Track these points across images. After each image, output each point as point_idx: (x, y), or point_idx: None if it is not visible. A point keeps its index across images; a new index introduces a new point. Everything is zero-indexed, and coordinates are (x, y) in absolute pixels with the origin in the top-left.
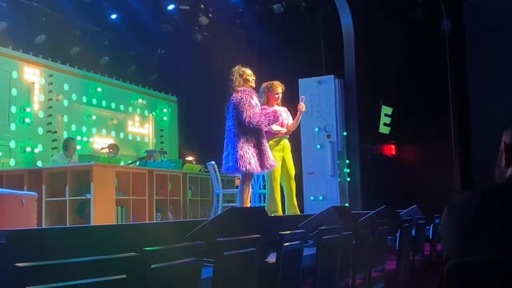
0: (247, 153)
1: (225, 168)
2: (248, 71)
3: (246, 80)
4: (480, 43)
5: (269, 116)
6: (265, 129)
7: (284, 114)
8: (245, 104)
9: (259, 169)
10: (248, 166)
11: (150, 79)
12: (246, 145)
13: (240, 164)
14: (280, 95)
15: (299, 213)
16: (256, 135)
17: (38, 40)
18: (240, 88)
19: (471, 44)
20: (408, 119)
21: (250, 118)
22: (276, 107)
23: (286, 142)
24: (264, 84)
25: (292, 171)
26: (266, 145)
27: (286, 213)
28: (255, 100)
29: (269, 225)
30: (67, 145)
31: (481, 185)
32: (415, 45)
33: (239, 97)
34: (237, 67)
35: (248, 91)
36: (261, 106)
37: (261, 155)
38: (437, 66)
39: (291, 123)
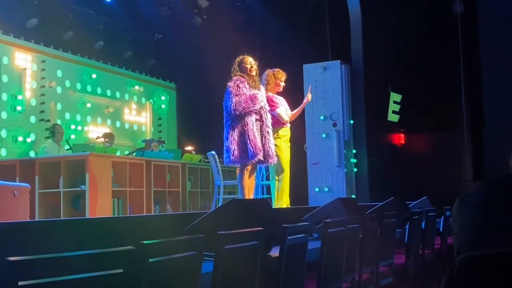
0: (232, 144)
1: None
2: (249, 59)
3: (244, 69)
4: (494, 26)
5: (253, 99)
6: (254, 110)
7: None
8: (231, 92)
9: (241, 159)
10: (231, 157)
11: (148, 65)
12: (232, 136)
13: (226, 155)
14: (283, 84)
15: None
16: (241, 124)
17: (30, 24)
18: (234, 78)
19: (484, 26)
20: (418, 107)
21: (236, 105)
22: (274, 96)
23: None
24: (270, 71)
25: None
26: (253, 134)
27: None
28: (242, 89)
29: (272, 218)
30: (54, 131)
31: (494, 175)
32: (426, 29)
33: (227, 86)
34: (239, 57)
35: (237, 79)
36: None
37: (245, 144)
38: (449, 50)
39: (293, 112)
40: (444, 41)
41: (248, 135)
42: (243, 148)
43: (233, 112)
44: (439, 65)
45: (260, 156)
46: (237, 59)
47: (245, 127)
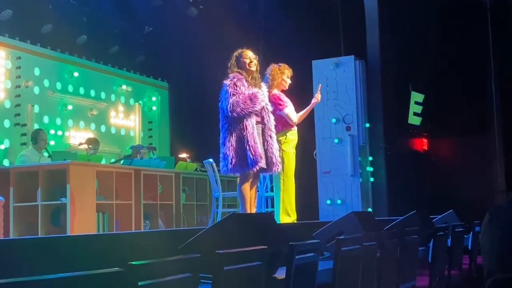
0: (229, 151)
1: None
2: (248, 53)
3: (242, 64)
4: None
5: (253, 98)
6: (254, 112)
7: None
8: (228, 92)
9: (239, 168)
10: (229, 166)
11: (136, 62)
12: (229, 141)
13: (223, 164)
14: (290, 81)
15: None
16: (239, 128)
17: (4, 16)
18: (231, 75)
19: None
20: (443, 108)
21: (233, 106)
22: (281, 94)
23: None
24: (274, 65)
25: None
26: (253, 139)
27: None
28: (240, 87)
29: (278, 234)
30: (37, 137)
31: None
32: (451, 20)
33: (223, 84)
34: (237, 50)
35: (233, 76)
36: (268, 91)
37: (244, 151)
38: (477, 44)
39: (299, 114)
40: (472, 34)
41: (247, 140)
42: (242, 155)
43: (230, 114)
44: (466, 60)
45: (262, 164)
46: (235, 53)
47: (244, 132)
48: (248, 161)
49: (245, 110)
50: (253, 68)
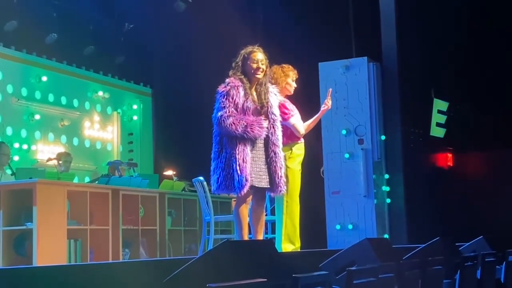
0: (217, 168)
1: None
2: (258, 55)
3: (248, 68)
4: None
5: (253, 124)
6: (235, 132)
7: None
8: (217, 100)
9: (226, 189)
10: (215, 185)
11: (115, 64)
12: (219, 157)
13: (212, 182)
14: (295, 85)
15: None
16: (231, 143)
17: None
18: (227, 80)
19: None
20: (471, 117)
21: (218, 121)
22: (287, 101)
23: None
24: (277, 67)
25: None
26: (243, 157)
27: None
28: (233, 97)
29: (279, 265)
30: None
31: None
32: (480, 15)
33: (217, 91)
34: (248, 48)
35: (229, 81)
36: None
37: (231, 171)
38: (510, 43)
39: (307, 124)
40: (504, 30)
41: (235, 158)
42: (229, 175)
43: (217, 126)
44: (498, 62)
45: (263, 184)
46: (243, 52)
47: (235, 148)
48: (235, 183)
49: (231, 133)
50: (260, 75)
